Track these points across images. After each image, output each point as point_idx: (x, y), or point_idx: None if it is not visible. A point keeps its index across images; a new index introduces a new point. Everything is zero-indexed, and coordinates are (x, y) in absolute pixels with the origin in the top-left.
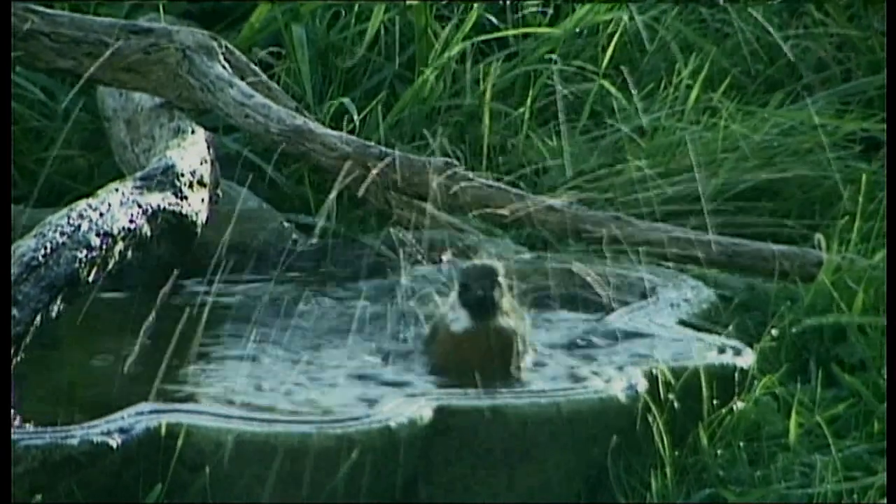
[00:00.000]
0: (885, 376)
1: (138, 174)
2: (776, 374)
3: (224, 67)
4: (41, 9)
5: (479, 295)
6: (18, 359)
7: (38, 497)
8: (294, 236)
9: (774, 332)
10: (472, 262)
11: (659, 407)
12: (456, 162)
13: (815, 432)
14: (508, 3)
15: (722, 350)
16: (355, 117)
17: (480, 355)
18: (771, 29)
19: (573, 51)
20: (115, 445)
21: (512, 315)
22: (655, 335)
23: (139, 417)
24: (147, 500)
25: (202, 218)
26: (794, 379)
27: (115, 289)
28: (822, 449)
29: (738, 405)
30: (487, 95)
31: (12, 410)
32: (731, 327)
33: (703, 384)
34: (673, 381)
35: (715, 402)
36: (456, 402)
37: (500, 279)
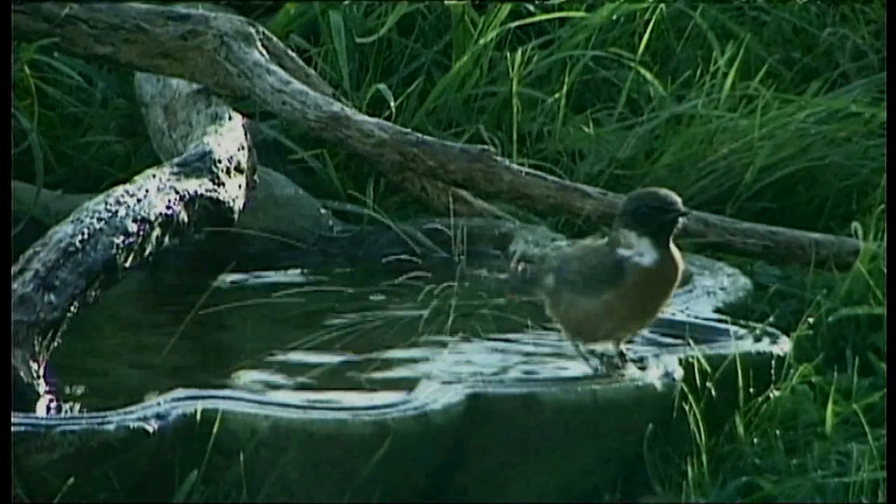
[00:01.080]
0: (885, 377)
1: (175, 160)
2: (812, 363)
3: (261, 54)
4: None
5: (668, 221)
6: (55, 344)
7: (72, 481)
8: (330, 223)
9: (811, 320)
10: (642, 191)
11: (695, 395)
12: (493, 149)
13: (851, 421)
14: None
15: (758, 338)
16: (392, 104)
17: (668, 287)
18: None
19: (610, 38)
20: (151, 431)
21: None
22: (692, 323)
23: (175, 403)
24: (182, 486)
25: (239, 204)
26: (830, 367)
27: (153, 275)
28: (859, 438)
29: (775, 393)
30: (515, 83)
31: (47, 396)
32: (771, 318)
33: (740, 372)
34: (709, 370)
35: (751, 390)
36: (491, 389)
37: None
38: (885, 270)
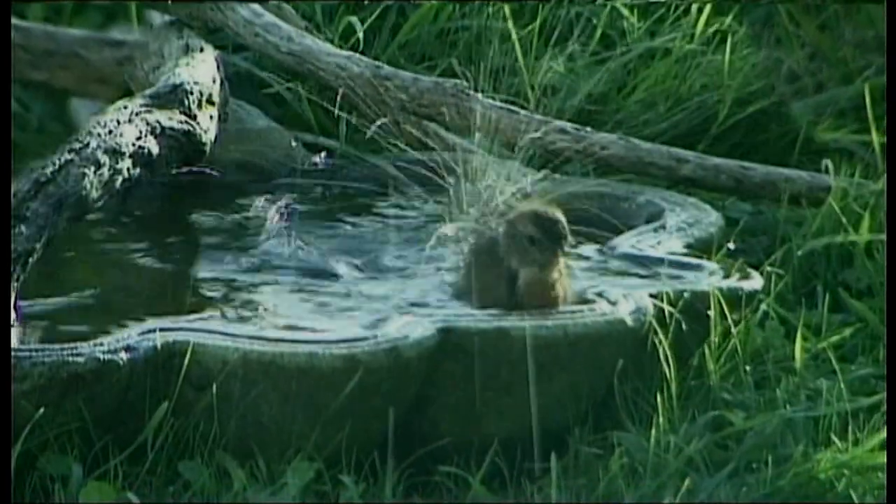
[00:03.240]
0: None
1: (147, 91)
2: (780, 296)
3: None
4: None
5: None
6: (26, 275)
7: (43, 412)
8: (302, 155)
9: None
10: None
11: (665, 330)
12: (465, 83)
13: (821, 357)
14: None
15: (729, 274)
16: (360, 36)
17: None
18: None
19: None
20: (121, 363)
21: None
22: (663, 258)
23: (146, 336)
24: (153, 418)
25: (211, 136)
26: (800, 303)
27: (124, 207)
28: (828, 374)
29: (745, 328)
30: (508, 12)
31: (19, 327)
32: (730, 244)
33: (711, 307)
34: (680, 305)
35: (721, 325)
36: (462, 323)
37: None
38: (885, 275)
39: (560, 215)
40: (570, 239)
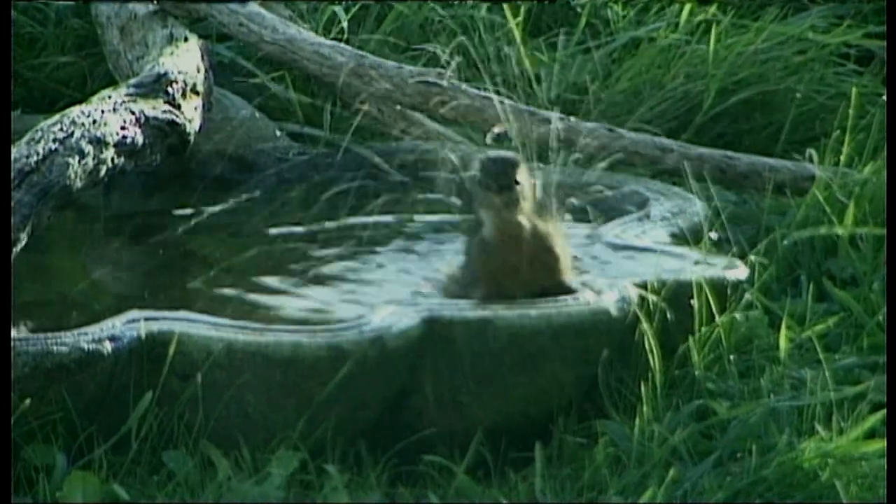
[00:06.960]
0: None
1: (131, 81)
2: (765, 287)
3: None
4: None
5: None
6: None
7: (28, 402)
8: (286, 145)
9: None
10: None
11: (649, 320)
12: (450, 73)
13: (805, 346)
14: None
15: (713, 264)
16: (344, 26)
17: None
18: None
19: None
20: (105, 353)
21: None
22: (647, 248)
23: (130, 325)
24: (137, 408)
25: (195, 126)
26: (785, 293)
27: (108, 196)
28: (812, 363)
29: (729, 318)
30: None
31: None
32: (714, 234)
33: (695, 297)
34: (664, 295)
35: (705, 315)
36: (446, 312)
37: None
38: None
39: (506, 155)
40: (516, 175)
